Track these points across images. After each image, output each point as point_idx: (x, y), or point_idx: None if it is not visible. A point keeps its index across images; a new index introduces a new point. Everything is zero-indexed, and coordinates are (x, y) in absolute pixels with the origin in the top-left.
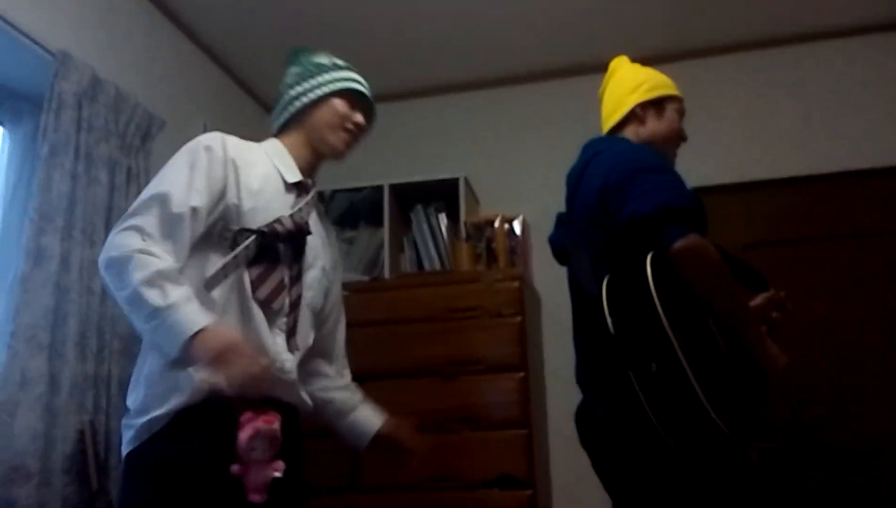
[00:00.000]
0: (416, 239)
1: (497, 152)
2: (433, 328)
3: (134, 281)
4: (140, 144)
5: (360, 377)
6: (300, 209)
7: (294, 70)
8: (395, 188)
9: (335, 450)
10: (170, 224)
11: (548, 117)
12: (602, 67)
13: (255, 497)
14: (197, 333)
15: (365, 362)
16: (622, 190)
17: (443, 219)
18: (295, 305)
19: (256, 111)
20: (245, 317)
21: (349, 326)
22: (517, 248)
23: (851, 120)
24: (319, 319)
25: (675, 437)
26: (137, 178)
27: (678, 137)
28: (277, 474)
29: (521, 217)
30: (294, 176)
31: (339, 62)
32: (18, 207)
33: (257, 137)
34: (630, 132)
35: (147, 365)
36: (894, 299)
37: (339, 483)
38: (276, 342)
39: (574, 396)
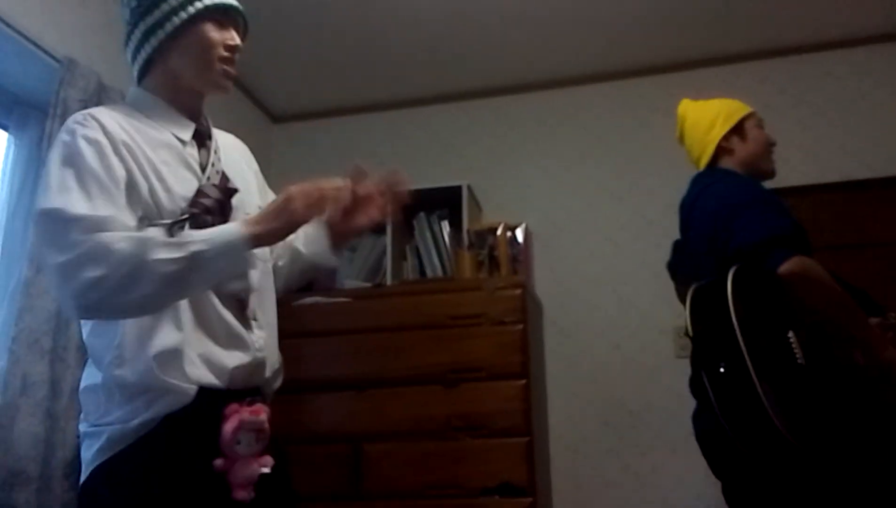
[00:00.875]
0: (418, 246)
1: (500, 161)
2: (435, 336)
3: (143, 264)
4: None
5: (361, 384)
6: (212, 165)
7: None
8: None
9: (334, 456)
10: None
11: (552, 127)
12: (607, 77)
13: (241, 494)
14: (245, 234)
15: (367, 368)
16: (730, 224)
17: (445, 226)
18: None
19: (262, 119)
20: (201, 310)
21: (351, 332)
22: (519, 256)
23: (854, 130)
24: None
25: (740, 437)
26: None
27: (767, 147)
28: (265, 470)
29: (523, 225)
30: (186, 130)
31: None
32: (22, 212)
33: (265, 147)
34: (726, 163)
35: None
36: None
37: (338, 489)
38: (243, 327)
39: (574, 403)
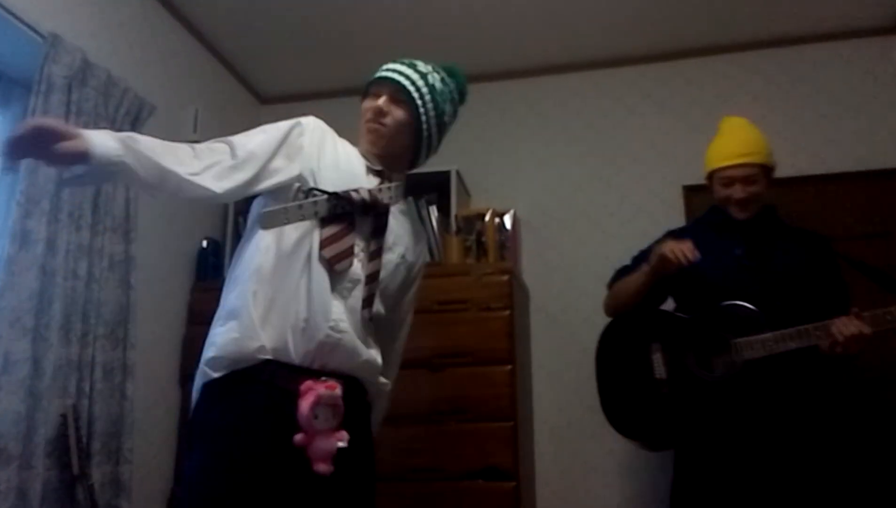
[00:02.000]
0: None
1: (490, 147)
2: (422, 320)
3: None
4: (130, 129)
5: None
6: (380, 190)
7: None
8: None
9: None
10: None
11: (542, 113)
12: (597, 64)
13: (322, 468)
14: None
15: None
16: None
17: (434, 211)
18: (372, 278)
19: (249, 100)
20: (310, 275)
21: None
22: (507, 242)
23: (844, 123)
24: (388, 307)
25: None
26: None
27: (726, 203)
28: (342, 444)
29: (511, 212)
30: (375, 164)
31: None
32: (5, 189)
33: (248, 126)
34: None
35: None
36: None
37: None
38: (336, 303)
39: (559, 389)
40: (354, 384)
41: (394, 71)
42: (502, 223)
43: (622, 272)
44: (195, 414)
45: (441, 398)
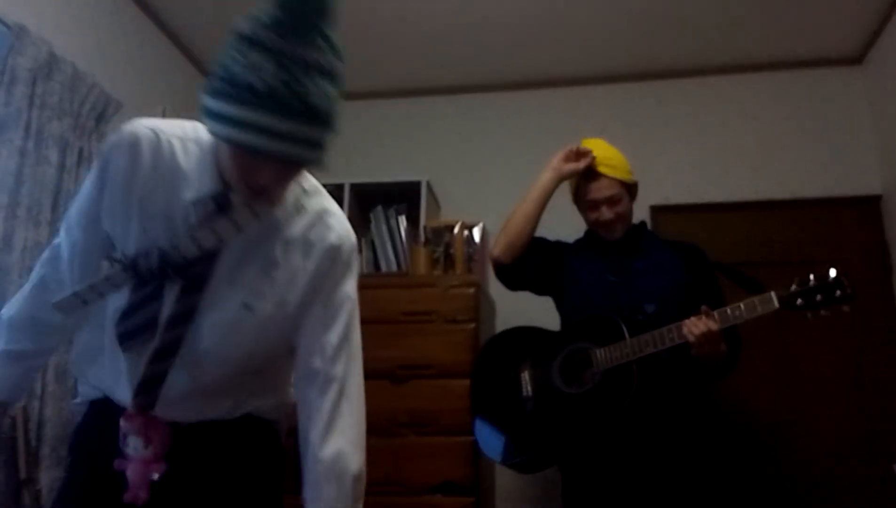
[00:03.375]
0: (374, 240)
1: (461, 159)
2: (386, 330)
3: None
4: (94, 126)
5: None
6: (212, 230)
7: (232, 56)
8: (356, 188)
9: None
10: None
11: (514, 128)
12: (569, 82)
13: (129, 495)
14: None
15: None
16: None
17: (402, 221)
18: (164, 353)
19: None
20: (113, 355)
21: None
22: (475, 255)
23: (807, 149)
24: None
25: None
26: (89, 159)
27: (595, 226)
28: (154, 476)
29: (481, 225)
30: (210, 188)
31: (273, 88)
32: None
33: None
34: None
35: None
36: (843, 326)
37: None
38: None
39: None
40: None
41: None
42: (471, 236)
43: None
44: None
45: (402, 411)
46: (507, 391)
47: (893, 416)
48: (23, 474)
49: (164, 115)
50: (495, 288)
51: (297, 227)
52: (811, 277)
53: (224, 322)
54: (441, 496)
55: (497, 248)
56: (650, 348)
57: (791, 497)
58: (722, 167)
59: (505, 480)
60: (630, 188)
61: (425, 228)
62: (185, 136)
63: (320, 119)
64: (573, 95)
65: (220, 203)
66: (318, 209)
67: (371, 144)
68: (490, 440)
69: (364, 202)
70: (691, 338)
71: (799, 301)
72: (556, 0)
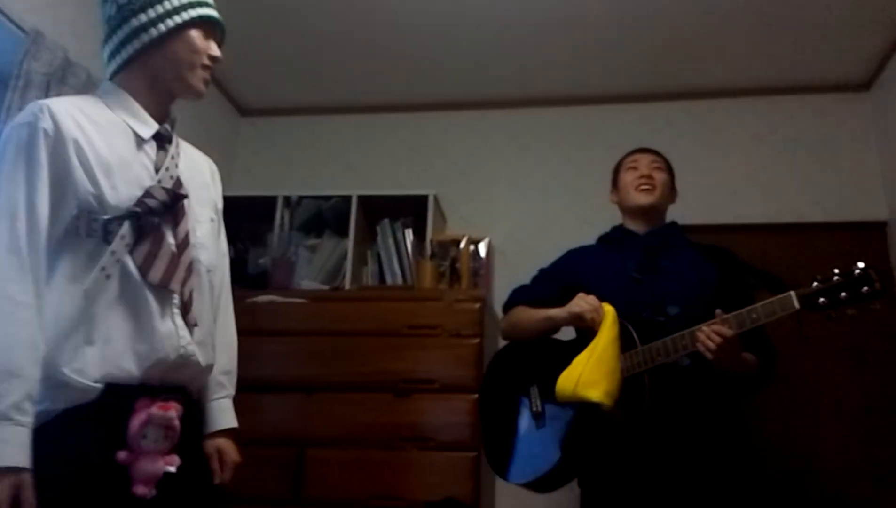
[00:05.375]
0: (380, 252)
1: (468, 174)
2: (390, 343)
3: None
4: None
5: (310, 387)
6: (167, 169)
7: None
8: (363, 200)
9: (275, 459)
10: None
11: (522, 145)
12: (579, 101)
13: (141, 490)
14: None
15: (317, 371)
16: None
17: (409, 235)
18: (188, 274)
19: (229, 111)
20: (136, 310)
21: (305, 334)
22: (481, 270)
23: (813, 174)
24: (211, 276)
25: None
26: None
27: (630, 185)
28: (170, 469)
29: (486, 240)
30: (148, 128)
31: None
32: None
33: (231, 139)
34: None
35: None
36: (841, 345)
37: (277, 494)
38: (174, 325)
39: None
40: (190, 403)
41: (214, 9)
42: (477, 251)
43: (520, 293)
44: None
45: (404, 424)
46: (515, 408)
47: None
48: None
49: (172, 125)
50: (500, 304)
51: (192, 152)
52: (835, 271)
53: (207, 234)
54: None
55: (503, 335)
56: (661, 357)
57: None
58: (728, 190)
59: (505, 497)
60: (671, 174)
61: (431, 242)
62: (87, 96)
63: None
64: (581, 115)
65: (159, 140)
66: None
67: (379, 157)
68: (501, 460)
69: (371, 215)
70: (704, 347)
71: (822, 300)
72: (567, 20)
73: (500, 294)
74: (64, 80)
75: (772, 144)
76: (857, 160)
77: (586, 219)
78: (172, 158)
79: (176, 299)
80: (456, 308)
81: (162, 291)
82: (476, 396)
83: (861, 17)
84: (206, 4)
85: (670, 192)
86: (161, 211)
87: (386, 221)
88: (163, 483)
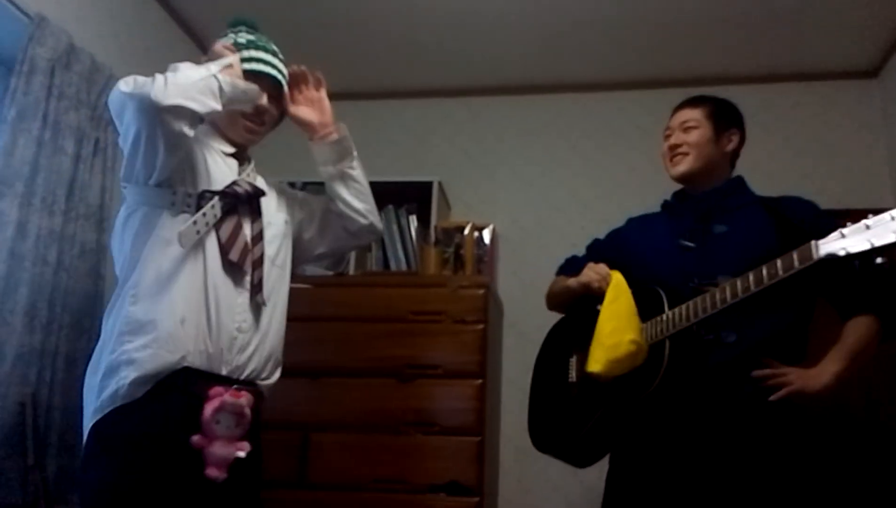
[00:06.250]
0: (384, 239)
1: (473, 160)
2: (394, 329)
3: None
4: (111, 117)
5: (315, 372)
6: (248, 174)
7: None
8: None
9: (280, 443)
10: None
11: (527, 132)
12: (584, 88)
13: (213, 472)
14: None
15: (322, 357)
16: None
17: (413, 221)
18: (258, 263)
19: None
20: (211, 279)
21: (310, 320)
22: (485, 256)
23: (820, 161)
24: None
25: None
26: (105, 151)
27: (664, 157)
28: (241, 454)
29: (491, 226)
30: (228, 148)
31: (252, 38)
32: None
33: None
34: None
35: (117, 326)
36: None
37: (283, 477)
38: (240, 301)
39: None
40: (259, 396)
41: (271, 66)
42: (481, 237)
43: (565, 264)
44: (100, 426)
45: (408, 409)
46: (557, 379)
47: None
48: (30, 460)
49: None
50: (504, 290)
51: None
52: (868, 217)
53: (276, 235)
54: (445, 495)
55: (547, 304)
56: (683, 322)
57: None
58: None
59: (510, 481)
60: (714, 116)
61: (436, 228)
62: None
63: (275, 56)
64: (587, 101)
65: (237, 159)
66: None
67: (383, 143)
68: (540, 431)
69: (375, 201)
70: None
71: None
72: (572, 6)
73: (503, 281)
74: (69, 65)
75: (778, 131)
76: (865, 148)
77: (589, 205)
78: (252, 171)
79: (246, 280)
80: (460, 295)
81: (238, 269)
82: (480, 381)
83: (869, 4)
84: (259, 60)
85: (713, 145)
86: (245, 199)
87: (390, 207)
88: (233, 467)
